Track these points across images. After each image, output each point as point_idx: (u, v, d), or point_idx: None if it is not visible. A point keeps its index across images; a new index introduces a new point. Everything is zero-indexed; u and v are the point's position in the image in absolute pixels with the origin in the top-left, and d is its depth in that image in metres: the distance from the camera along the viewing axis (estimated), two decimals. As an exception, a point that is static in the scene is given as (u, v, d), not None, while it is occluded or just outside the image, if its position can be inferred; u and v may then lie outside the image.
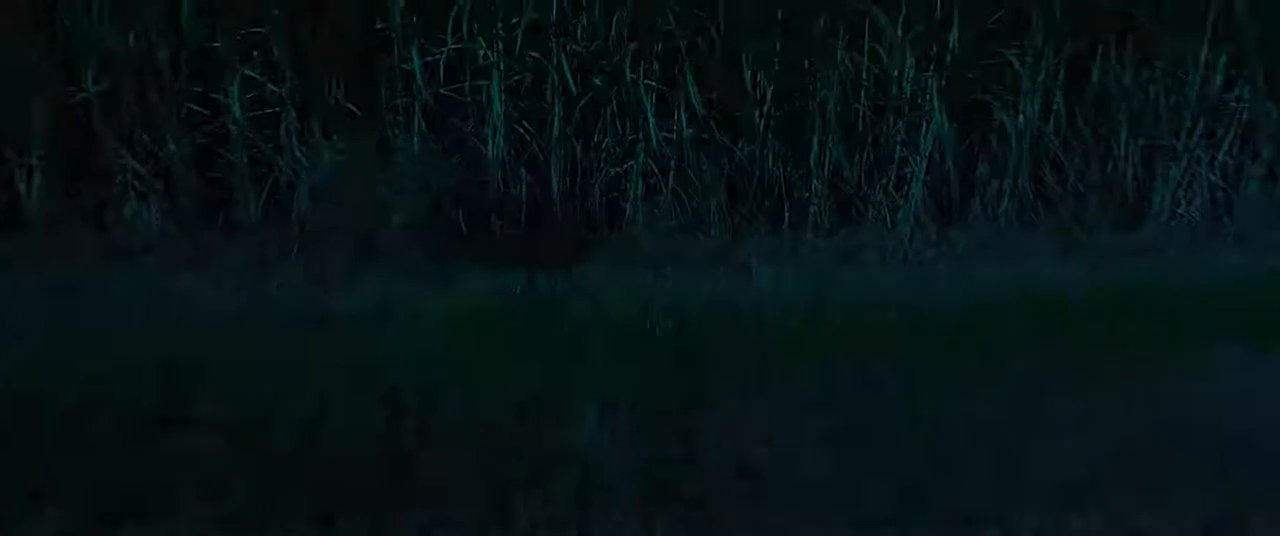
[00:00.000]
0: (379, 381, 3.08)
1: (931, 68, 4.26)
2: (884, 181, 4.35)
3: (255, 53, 4.03)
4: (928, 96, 4.26)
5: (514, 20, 4.07)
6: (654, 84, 4.18)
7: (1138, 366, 3.39)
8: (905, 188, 4.34)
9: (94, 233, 4.09)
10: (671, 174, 4.21)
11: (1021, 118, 4.38)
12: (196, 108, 4.09)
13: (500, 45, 4.08)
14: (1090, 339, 3.58)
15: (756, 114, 4.28)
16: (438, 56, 4.05)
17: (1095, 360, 3.43)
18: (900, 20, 4.21)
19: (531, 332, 3.43)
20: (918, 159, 4.30)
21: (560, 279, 3.82)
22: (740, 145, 4.29)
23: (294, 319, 3.45)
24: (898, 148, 4.33)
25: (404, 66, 4.07)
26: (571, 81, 4.12)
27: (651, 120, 4.17)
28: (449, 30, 4.05)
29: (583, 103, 4.18)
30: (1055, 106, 4.43)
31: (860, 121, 4.33)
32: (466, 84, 4.11)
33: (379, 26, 4.06)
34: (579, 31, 4.14)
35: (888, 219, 4.36)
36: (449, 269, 3.77)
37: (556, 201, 4.20)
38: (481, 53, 4.08)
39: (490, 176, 4.14)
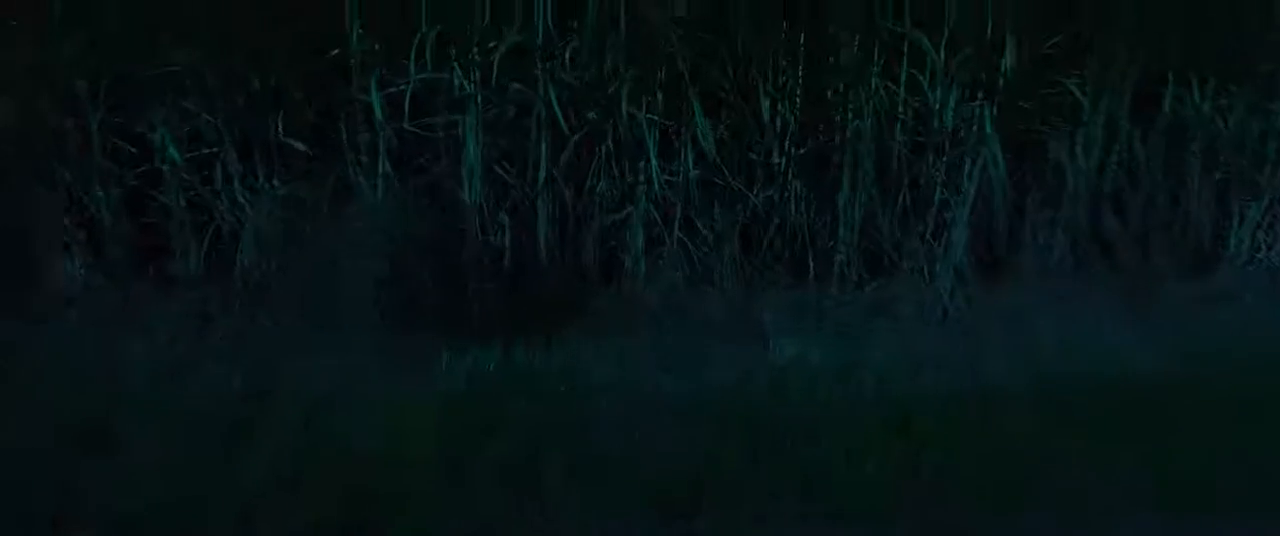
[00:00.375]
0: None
1: (980, 97, 4.05)
2: (922, 228, 4.11)
3: (188, 82, 3.75)
4: (974, 130, 4.05)
5: (492, 44, 3.80)
6: (656, 118, 3.94)
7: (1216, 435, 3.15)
8: (946, 235, 4.10)
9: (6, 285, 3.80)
10: (677, 222, 3.97)
11: (1080, 153, 4.20)
12: (122, 143, 3.80)
13: (476, 73, 3.81)
14: (1159, 407, 3.31)
15: (775, 152, 4.04)
16: (402, 87, 3.77)
17: (1169, 437, 3.15)
18: (943, 44, 3.98)
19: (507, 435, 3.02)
20: (960, 202, 4.07)
21: (543, 352, 3.51)
22: (756, 189, 4.04)
23: (218, 415, 3.06)
24: (938, 189, 4.10)
25: (362, 98, 3.79)
26: (560, 115, 3.86)
27: (654, 160, 3.92)
28: (413, 56, 3.77)
29: (574, 140, 3.90)
30: (1120, 140, 4.24)
31: (896, 160, 4.09)
32: (438, 119, 3.83)
33: (333, 52, 3.77)
34: (568, 57, 3.88)
35: (926, 270, 4.11)
36: (413, 343, 3.43)
37: (543, 255, 3.93)
38: (455, 83, 3.81)
39: (466, 226, 3.85)
